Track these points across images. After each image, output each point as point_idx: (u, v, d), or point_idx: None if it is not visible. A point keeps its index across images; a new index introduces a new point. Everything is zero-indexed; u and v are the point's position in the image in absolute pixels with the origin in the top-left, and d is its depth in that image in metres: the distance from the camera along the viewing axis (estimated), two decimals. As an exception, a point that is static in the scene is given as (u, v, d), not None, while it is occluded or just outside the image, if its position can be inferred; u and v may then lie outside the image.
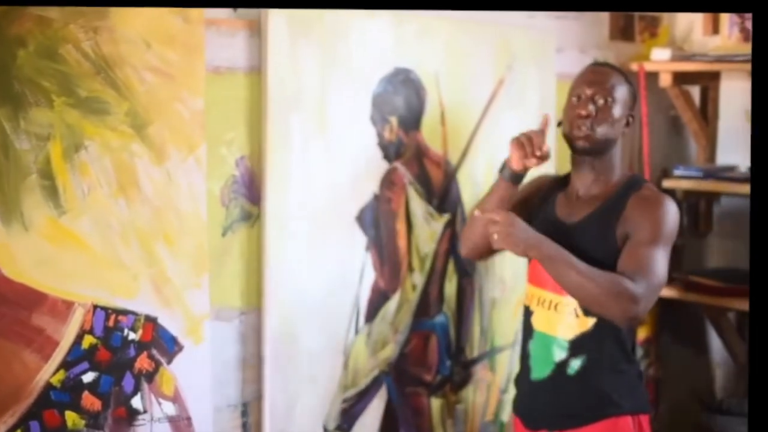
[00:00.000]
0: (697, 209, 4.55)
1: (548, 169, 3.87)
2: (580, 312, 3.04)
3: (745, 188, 4.13)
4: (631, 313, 2.89)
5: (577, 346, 3.06)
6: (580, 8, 3.88)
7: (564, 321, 3.08)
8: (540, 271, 3.08)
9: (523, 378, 3.22)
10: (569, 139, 3.08)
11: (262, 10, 3.01)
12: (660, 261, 2.95)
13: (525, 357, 3.20)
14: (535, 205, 3.23)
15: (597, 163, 3.08)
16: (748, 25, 4.25)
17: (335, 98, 3.20)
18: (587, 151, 3.06)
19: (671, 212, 3.01)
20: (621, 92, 3.07)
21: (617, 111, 3.05)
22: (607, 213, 3.03)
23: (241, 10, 3.00)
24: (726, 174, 4.26)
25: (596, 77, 3.08)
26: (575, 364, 3.06)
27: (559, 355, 3.09)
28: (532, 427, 3.16)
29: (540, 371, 3.14)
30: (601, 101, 3.03)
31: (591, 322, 3.03)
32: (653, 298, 2.96)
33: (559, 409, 3.10)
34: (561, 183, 3.24)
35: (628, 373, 3.09)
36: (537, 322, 3.15)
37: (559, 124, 3.16)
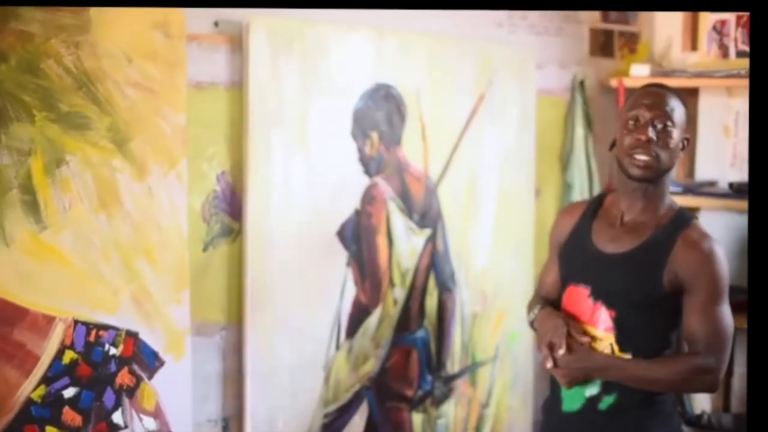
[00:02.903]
0: (676, 224, 4.56)
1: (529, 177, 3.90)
2: (616, 348, 2.92)
3: (725, 203, 4.15)
4: (713, 384, 2.88)
5: (610, 382, 2.94)
6: (581, 7, 3.91)
7: None
8: (574, 301, 3.00)
9: (553, 407, 3.10)
10: (625, 165, 2.93)
11: (244, 26, 3.01)
12: (727, 316, 2.88)
13: (556, 386, 3.07)
14: (565, 236, 3.10)
15: (650, 190, 2.94)
16: (726, 41, 4.28)
17: (316, 114, 3.21)
18: (647, 179, 2.92)
19: (723, 260, 2.88)
20: (679, 115, 2.93)
21: (676, 135, 2.91)
22: (653, 251, 2.91)
23: (222, 26, 3.01)
24: (705, 189, 4.27)
25: (654, 100, 2.93)
26: (608, 400, 2.95)
27: (591, 390, 2.97)
28: None
29: (571, 404, 3.02)
30: (660, 125, 2.89)
31: (625, 358, 2.94)
32: (727, 355, 2.89)
33: None
34: (593, 208, 3.09)
35: (662, 402, 3.01)
36: None
37: (612, 146, 3.01)
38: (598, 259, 2.97)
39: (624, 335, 2.91)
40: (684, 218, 2.95)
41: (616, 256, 2.94)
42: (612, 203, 3.04)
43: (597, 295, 2.94)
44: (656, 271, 2.88)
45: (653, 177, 2.90)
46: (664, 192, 2.97)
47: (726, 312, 2.88)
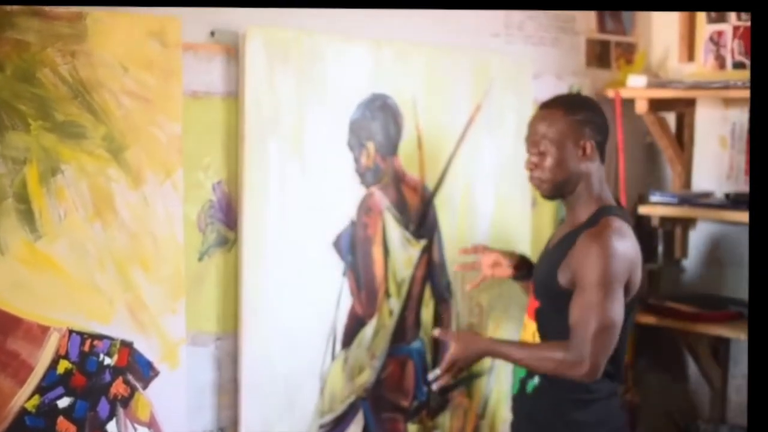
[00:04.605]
0: (672, 235, 4.57)
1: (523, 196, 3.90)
2: (537, 336, 3.13)
3: (721, 214, 4.15)
4: (580, 374, 2.96)
5: None
6: (581, 7, 3.92)
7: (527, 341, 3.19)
8: (529, 297, 3.24)
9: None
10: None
11: (240, 35, 3.01)
12: (605, 306, 2.94)
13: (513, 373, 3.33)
14: None
15: (571, 197, 3.12)
16: (723, 52, 4.29)
17: (312, 123, 3.20)
18: (549, 196, 3.14)
19: (615, 250, 2.97)
20: (562, 130, 3.05)
21: (564, 151, 3.05)
22: (560, 246, 3.10)
23: (218, 35, 3.00)
24: (702, 200, 4.27)
25: (536, 124, 3.10)
26: (532, 383, 3.14)
27: (521, 373, 3.19)
28: None
29: (514, 387, 3.25)
30: (543, 147, 3.06)
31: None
32: (601, 345, 2.95)
33: (526, 426, 3.22)
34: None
35: (588, 398, 3.09)
36: None
37: None
38: (540, 257, 3.24)
39: (542, 325, 3.13)
40: (596, 217, 3.08)
41: (541, 254, 3.22)
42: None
43: (534, 289, 3.20)
44: (554, 267, 3.06)
45: (554, 194, 3.12)
46: (587, 194, 3.10)
47: (606, 306, 2.95)
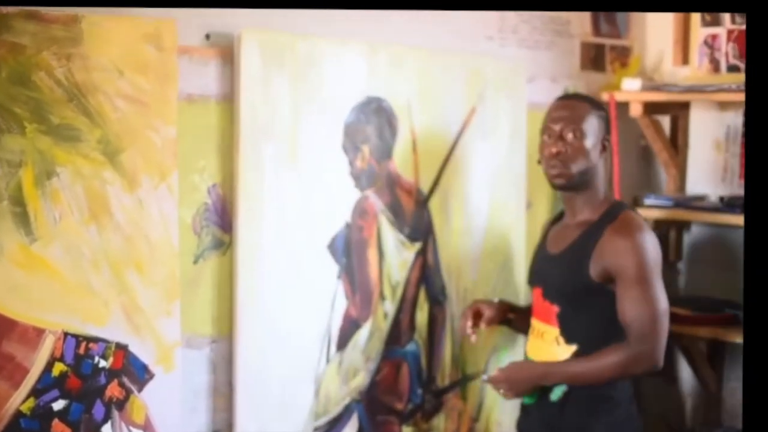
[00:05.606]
0: (667, 238, 4.56)
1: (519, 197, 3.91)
2: (561, 340, 3.12)
3: (716, 217, 4.16)
4: (650, 366, 3.04)
5: None
6: (580, 8, 3.93)
7: (548, 348, 3.17)
8: (535, 301, 3.25)
9: (521, 402, 3.33)
10: (547, 178, 3.19)
11: (235, 39, 3.02)
12: (655, 300, 3.04)
13: None
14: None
15: (580, 193, 3.17)
16: (718, 55, 4.29)
17: (307, 127, 3.21)
18: (566, 187, 3.15)
19: (650, 246, 3.07)
20: (589, 122, 3.13)
21: (588, 142, 3.11)
22: (582, 244, 3.10)
23: (213, 38, 3.01)
24: (696, 203, 4.28)
25: (562, 112, 3.16)
26: (558, 391, 3.12)
27: None
28: None
29: (529, 397, 3.23)
30: (570, 135, 3.10)
31: (572, 349, 3.09)
32: (661, 335, 3.04)
33: None
34: (558, 217, 3.35)
35: (615, 398, 3.12)
36: (528, 350, 3.30)
37: (539, 161, 3.24)
38: (546, 260, 3.25)
39: (567, 328, 3.13)
40: (614, 211, 3.16)
41: (555, 256, 3.21)
42: (565, 210, 3.30)
43: (546, 293, 3.20)
44: (583, 265, 3.08)
45: (570, 184, 3.14)
46: (596, 191, 3.18)
47: (654, 296, 3.06)
